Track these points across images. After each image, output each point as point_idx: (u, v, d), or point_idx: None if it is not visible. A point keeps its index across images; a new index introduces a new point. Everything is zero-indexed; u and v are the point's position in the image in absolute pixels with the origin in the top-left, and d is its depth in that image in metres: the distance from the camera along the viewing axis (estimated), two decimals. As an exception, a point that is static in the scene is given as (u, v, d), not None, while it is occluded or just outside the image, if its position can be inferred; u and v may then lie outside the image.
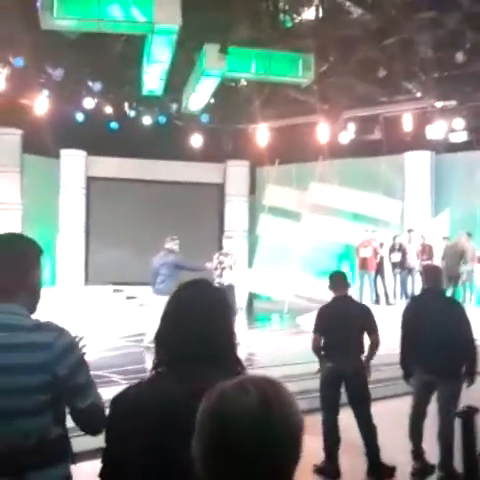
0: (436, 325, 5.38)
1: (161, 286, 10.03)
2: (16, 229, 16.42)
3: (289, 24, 11.71)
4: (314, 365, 6.56)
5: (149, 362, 9.29)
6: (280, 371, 8.65)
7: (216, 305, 1.84)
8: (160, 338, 1.83)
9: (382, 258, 14.68)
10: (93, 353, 9.56)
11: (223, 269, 10.67)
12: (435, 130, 14.04)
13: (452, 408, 5.24)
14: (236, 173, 18.75)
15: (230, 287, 10.64)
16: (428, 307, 5.57)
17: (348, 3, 9.29)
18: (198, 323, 1.77)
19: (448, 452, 5.29)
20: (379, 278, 14.77)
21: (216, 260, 10.67)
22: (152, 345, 8.15)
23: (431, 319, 5.44)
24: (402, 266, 14.70)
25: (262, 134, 16.29)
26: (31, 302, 2.25)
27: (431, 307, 5.54)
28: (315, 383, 8.21)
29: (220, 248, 11.19)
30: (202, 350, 1.72)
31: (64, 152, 17.27)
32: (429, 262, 14.41)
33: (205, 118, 15.49)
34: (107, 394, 6.78)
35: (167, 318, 1.85)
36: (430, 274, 5.85)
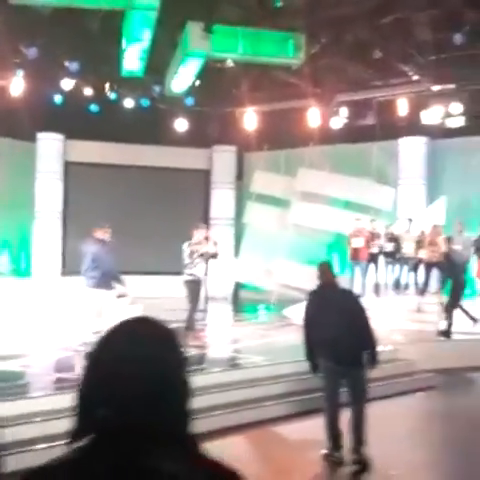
0: (334, 317, 5.65)
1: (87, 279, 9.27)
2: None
3: (279, 4, 10.99)
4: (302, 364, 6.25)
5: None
6: (266, 371, 8.20)
7: (168, 358, 1.32)
8: (83, 399, 1.30)
9: (381, 248, 14.14)
10: (64, 352, 9.00)
11: (201, 256, 9.76)
12: (431, 115, 13.46)
13: (362, 394, 5.70)
14: (223, 159, 18.06)
15: (204, 280, 9.95)
16: (325, 302, 5.84)
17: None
18: (136, 383, 1.26)
19: (360, 436, 5.64)
20: (372, 268, 14.26)
21: (187, 249, 9.78)
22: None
23: (329, 312, 5.71)
24: (394, 256, 14.21)
25: (250, 118, 15.60)
26: None
27: (328, 300, 5.83)
28: (304, 384, 7.73)
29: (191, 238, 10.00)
30: (142, 420, 1.24)
31: (41, 135, 16.49)
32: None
33: (190, 101, 14.78)
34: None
35: (92, 374, 1.30)
36: (321, 270, 6.04)
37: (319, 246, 16.67)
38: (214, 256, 10.08)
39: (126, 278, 15.48)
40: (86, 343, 9.15)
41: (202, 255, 9.75)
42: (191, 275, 9.74)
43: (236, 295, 17.84)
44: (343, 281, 15.02)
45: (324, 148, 15.96)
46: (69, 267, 16.55)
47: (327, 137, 15.38)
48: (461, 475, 6.04)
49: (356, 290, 14.03)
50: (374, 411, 7.91)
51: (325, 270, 6.03)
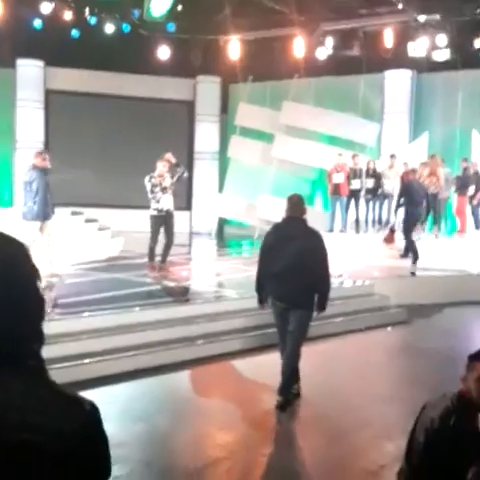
0: (291, 255, 5.36)
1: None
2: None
3: None
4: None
5: (88, 295, 8.61)
6: (246, 303, 8.19)
7: (13, 272, 1.18)
8: None
9: (362, 183, 14.00)
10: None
11: (163, 190, 9.48)
12: (417, 47, 13.06)
13: (299, 336, 5.54)
14: (207, 90, 17.61)
15: (170, 214, 9.64)
16: (287, 236, 5.52)
17: None
18: None
19: (289, 378, 5.54)
20: (353, 205, 14.17)
21: (149, 183, 9.49)
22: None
23: (287, 248, 5.41)
24: (375, 193, 14.12)
25: (234, 47, 15.13)
26: None
27: (290, 236, 5.50)
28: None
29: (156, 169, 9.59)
30: None
31: (20, 62, 16.00)
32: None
33: (171, 27, 14.25)
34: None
35: None
36: (291, 203, 5.68)
37: (303, 182, 16.56)
38: (180, 177, 9.70)
39: (108, 211, 15.53)
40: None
41: (165, 188, 9.46)
42: (156, 210, 9.52)
43: (220, 230, 17.83)
44: (324, 217, 15.06)
45: (310, 80, 15.59)
46: (53, 198, 16.42)
47: (313, 69, 14.99)
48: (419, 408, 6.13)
49: (336, 226, 14.07)
50: (344, 344, 8.09)
51: (296, 203, 5.65)
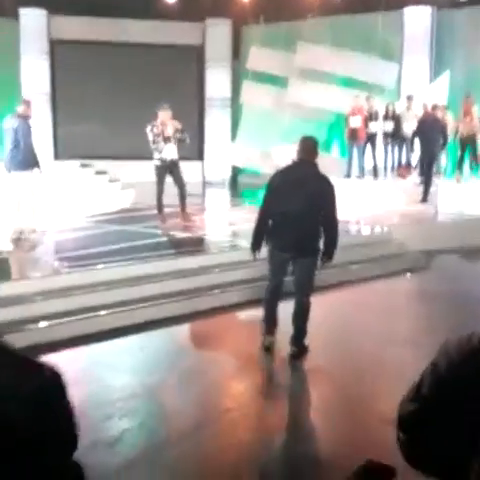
0: (300, 200, 5.10)
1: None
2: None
3: None
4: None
5: (98, 247, 8.44)
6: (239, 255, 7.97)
7: None
8: None
9: (380, 127, 13.52)
10: (48, 235, 8.87)
11: (166, 140, 9.18)
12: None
13: (308, 284, 5.34)
14: (217, 33, 16.92)
15: (174, 163, 9.38)
16: (296, 180, 5.21)
17: None
18: None
19: (301, 328, 5.38)
20: (370, 149, 13.71)
21: (150, 133, 9.23)
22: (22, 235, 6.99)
23: (296, 193, 5.13)
24: (394, 136, 13.62)
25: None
26: None
27: (299, 181, 5.20)
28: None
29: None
30: None
31: (23, 11, 15.53)
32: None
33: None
34: (40, 285, 6.04)
35: None
36: (304, 145, 5.37)
37: (319, 127, 16.04)
38: (182, 141, 9.33)
39: (118, 163, 15.26)
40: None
41: (168, 138, 9.16)
42: (159, 160, 9.28)
43: (234, 180, 17.52)
44: (341, 163, 14.65)
45: (325, 20, 14.94)
46: (61, 151, 16.22)
47: (328, 7, 14.37)
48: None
49: (354, 172, 13.70)
50: (361, 291, 7.93)
51: (308, 146, 5.35)
